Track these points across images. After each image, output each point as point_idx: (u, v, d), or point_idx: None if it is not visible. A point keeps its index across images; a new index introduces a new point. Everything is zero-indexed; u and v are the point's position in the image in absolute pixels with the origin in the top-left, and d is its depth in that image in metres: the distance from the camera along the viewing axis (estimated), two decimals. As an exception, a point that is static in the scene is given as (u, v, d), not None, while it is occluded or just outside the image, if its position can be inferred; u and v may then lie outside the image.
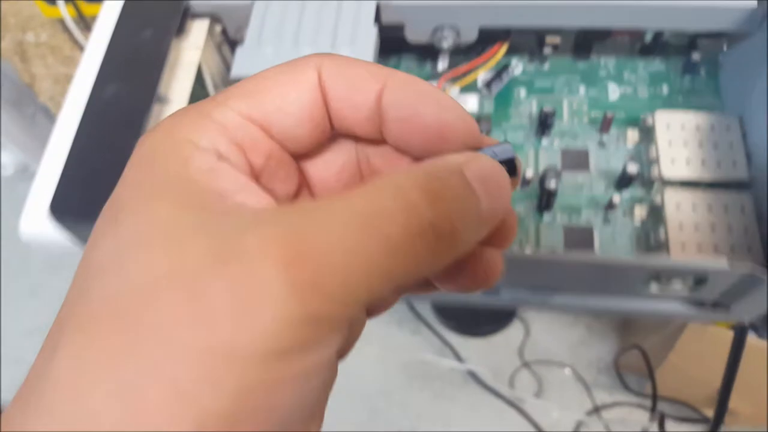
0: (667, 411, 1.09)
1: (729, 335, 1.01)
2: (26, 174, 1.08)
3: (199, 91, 0.32)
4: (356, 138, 0.19)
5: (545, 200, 0.31)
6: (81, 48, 0.54)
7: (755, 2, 0.30)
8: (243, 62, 0.30)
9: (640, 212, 0.31)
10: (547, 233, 0.31)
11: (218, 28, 0.34)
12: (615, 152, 0.33)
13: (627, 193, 0.31)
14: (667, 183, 0.30)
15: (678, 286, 0.28)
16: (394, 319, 1.21)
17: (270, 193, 0.18)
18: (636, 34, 0.34)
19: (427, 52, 0.37)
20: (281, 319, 0.13)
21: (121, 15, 0.32)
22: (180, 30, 0.32)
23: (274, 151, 0.18)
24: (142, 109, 0.29)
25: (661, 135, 0.31)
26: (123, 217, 0.15)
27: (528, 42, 0.35)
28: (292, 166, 0.19)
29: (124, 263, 0.14)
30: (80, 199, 0.28)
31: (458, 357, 1.17)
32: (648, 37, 0.34)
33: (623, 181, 0.31)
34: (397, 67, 0.37)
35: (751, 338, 1.04)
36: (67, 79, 0.64)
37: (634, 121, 0.33)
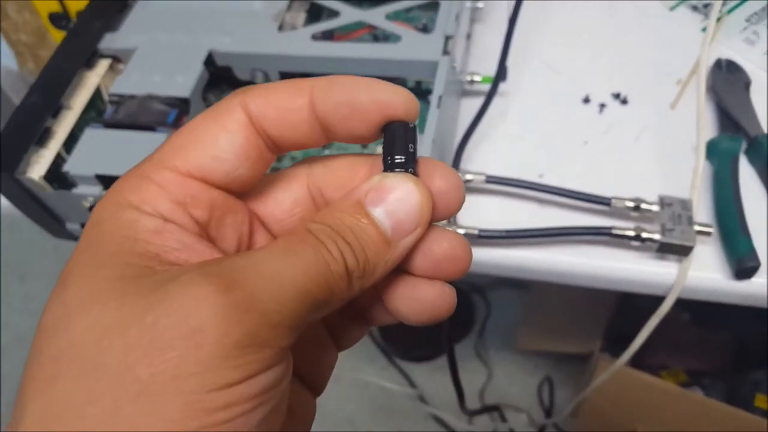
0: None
1: (640, 378, 1.08)
2: None
3: (97, 100, 0.48)
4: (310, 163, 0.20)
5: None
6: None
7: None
8: (119, 84, 0.46)
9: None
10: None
11: (121, 66, 0.50)
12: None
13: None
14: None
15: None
16: (366, 356, 1.30)
17: (221, 240, 0.18)
18: (399, 82, 0.48)
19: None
20: (223, 344, 0.14)
21: (56, 51, 0.49)
22: (89, 64, 0.49)
23: (217, 201, 0.18)
24: (48, 112, 0.45)
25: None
26: (69, 283, 0.15)
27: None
28: (240, 210, 0.19)
29: (69, 324, 0.15)
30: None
31: (412, 384, 1.25)
32: (410, 84, 0.48)
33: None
34: (225, 93, 0.51)
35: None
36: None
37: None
